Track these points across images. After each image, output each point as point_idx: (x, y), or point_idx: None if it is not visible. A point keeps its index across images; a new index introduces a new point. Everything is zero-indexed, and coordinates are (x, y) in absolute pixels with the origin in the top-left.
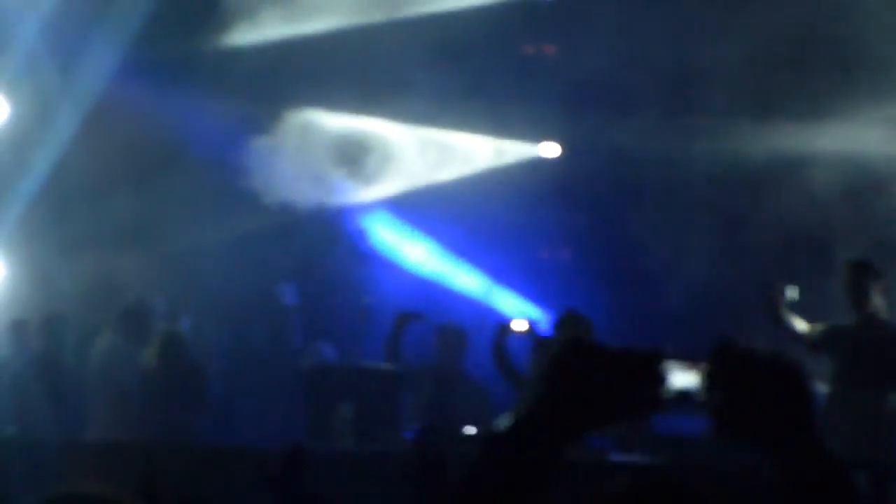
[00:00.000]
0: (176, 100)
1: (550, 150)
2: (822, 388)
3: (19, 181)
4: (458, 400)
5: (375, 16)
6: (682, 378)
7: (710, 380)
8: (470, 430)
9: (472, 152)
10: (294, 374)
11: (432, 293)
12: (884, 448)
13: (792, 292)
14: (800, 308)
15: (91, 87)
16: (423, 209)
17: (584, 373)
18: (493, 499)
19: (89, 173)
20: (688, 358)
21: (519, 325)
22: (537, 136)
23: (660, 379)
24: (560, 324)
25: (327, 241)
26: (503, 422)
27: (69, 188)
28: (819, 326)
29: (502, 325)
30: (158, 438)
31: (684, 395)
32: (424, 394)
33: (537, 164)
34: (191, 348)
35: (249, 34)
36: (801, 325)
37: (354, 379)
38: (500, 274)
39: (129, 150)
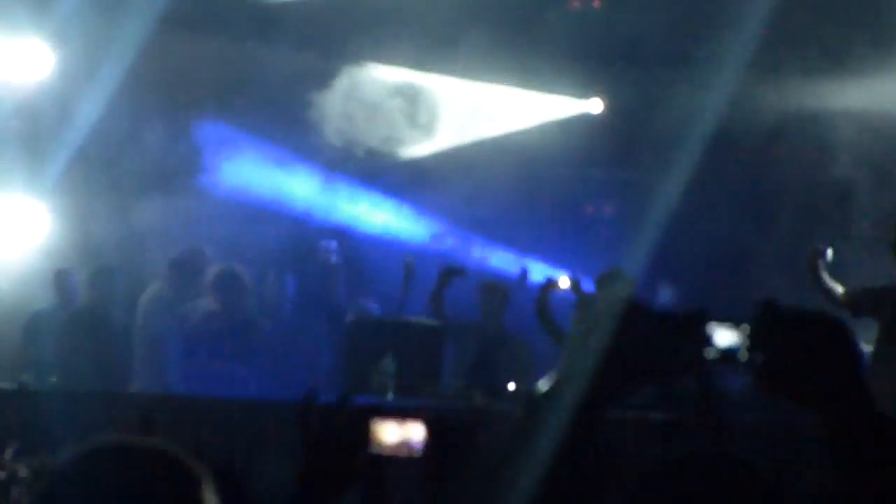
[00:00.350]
0: (226, 48)
1: (596, 105)
2: (865, 348)
3: (63, 132)
4: (501, 357)
5: None
6: (726, 337)
7: (755, 339)
8: (512, 387)
9: (517, 107)
10: (337, 328)
11: (474, 250)
12: None
13: (829, 254)
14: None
15: (136, 37)
16: (465, 164)
17: (632, 331)
18: (536, 456)
19: (135, 123)
20: (731, 318)
21: (563, 282)
22: (583, 92)
23: (704, 339)
24: (603, 280)
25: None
26: (546, 381)
27: (114, 138)
28: (859, 288)
29: (548, 280)
30: (200, 390)
31: (728, 355)
32: (467, 350)
33: (583, 120)
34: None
35: None
36: (839, 287)
37: (396, 333)
38: (544, 230)
39: (175, 97)
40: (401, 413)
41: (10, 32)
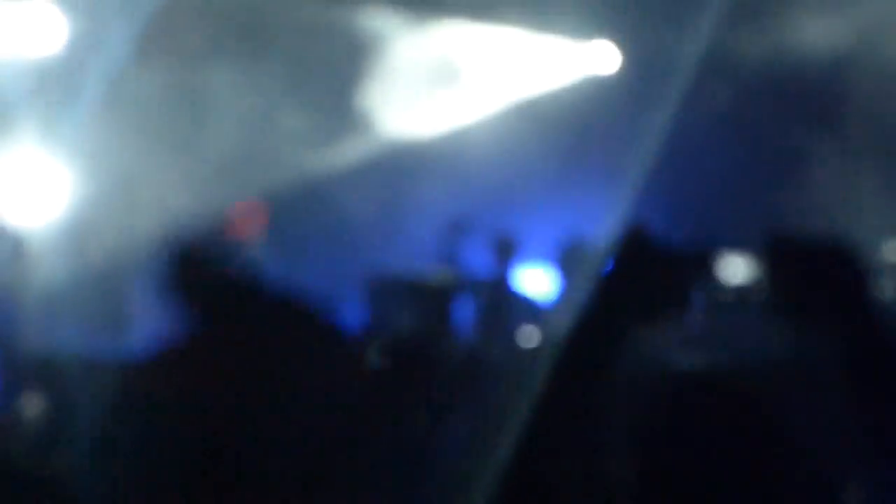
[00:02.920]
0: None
1: (605, 49)
2: None
3: (78, 99)
4: (511, 310)
5: None
6: (736, 272)
7: (767, 269)
8: (525, 336)
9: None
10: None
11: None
12: None
13: None
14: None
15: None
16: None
17: (640, 269)
18: (561, 399)
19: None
20: (741, 249)
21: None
22: (590, 34)
23: (712, 276)
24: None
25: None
26: (554, 328)
27: (128, 103)
28: None
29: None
30: None
31: (738, 291)
32: (478, 304)
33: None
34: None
35: None
36: None
37: (411, 291)
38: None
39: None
40: None
41: None
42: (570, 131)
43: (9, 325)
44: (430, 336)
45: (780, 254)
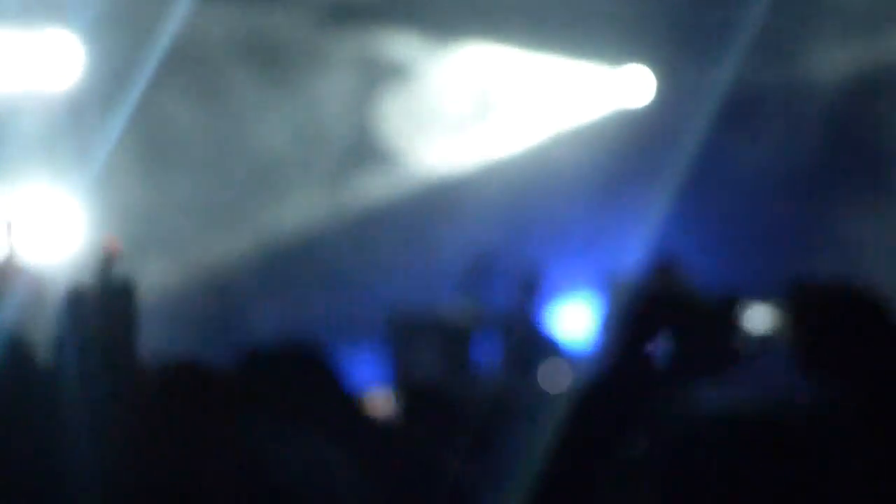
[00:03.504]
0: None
1: (638, 72)
2: None
3: (97, 134)
4: (533, 344)
5: None
6: (761, 319)
7: (790, 319)
8: (548, 376)
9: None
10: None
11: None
12: None
13: None
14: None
15: (166, 36)
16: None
17: (665, 328)
18: (589, 446)
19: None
20: (766, 299)
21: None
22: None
23: (739, 329)
24: (655, 271)
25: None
26: (584, 373)
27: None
28: None
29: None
30: None
31: (765, 341)
32: (501, 337)
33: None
34: None
35: None
36: None
37: (435, 327)
38: (589, 221)
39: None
40: None
41: (38, 26)
42: (600, 166)
43: None
44: (453, 377)
45: (806, 301)
